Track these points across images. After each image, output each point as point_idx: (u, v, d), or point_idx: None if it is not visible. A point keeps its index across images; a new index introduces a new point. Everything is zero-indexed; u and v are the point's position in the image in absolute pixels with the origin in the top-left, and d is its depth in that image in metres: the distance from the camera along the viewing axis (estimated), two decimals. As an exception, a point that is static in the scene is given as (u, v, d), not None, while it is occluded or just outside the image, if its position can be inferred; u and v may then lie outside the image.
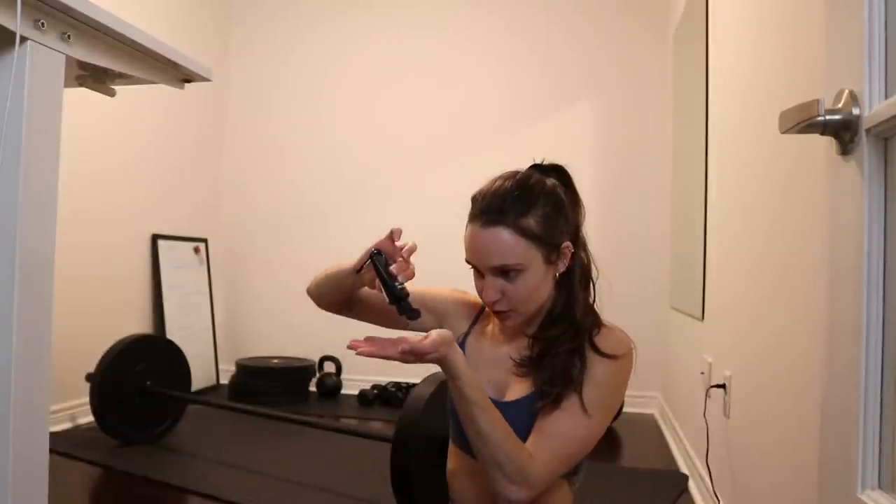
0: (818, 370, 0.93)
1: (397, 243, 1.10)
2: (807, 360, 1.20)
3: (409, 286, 1.08)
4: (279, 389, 3.55)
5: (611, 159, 3.69)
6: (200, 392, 3.53)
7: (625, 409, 2.91)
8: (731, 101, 2.02)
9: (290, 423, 2.58)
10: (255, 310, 4.10)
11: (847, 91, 0.78)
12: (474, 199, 1.08)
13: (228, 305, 4.11)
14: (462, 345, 1.17)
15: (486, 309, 1.19)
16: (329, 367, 3.83)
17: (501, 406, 1.07)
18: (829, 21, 0.88)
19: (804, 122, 0.81)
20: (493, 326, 1.19)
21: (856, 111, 0.77)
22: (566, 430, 1.02)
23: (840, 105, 0.79)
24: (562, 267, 1.08)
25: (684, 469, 2.53)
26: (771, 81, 1.55)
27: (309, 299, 1.25)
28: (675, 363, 3.11)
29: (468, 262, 1.08)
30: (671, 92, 3.47)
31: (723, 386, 1.94)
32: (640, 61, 3.69)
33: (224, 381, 3.85)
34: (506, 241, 1.02)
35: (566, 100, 3.76)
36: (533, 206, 1.04)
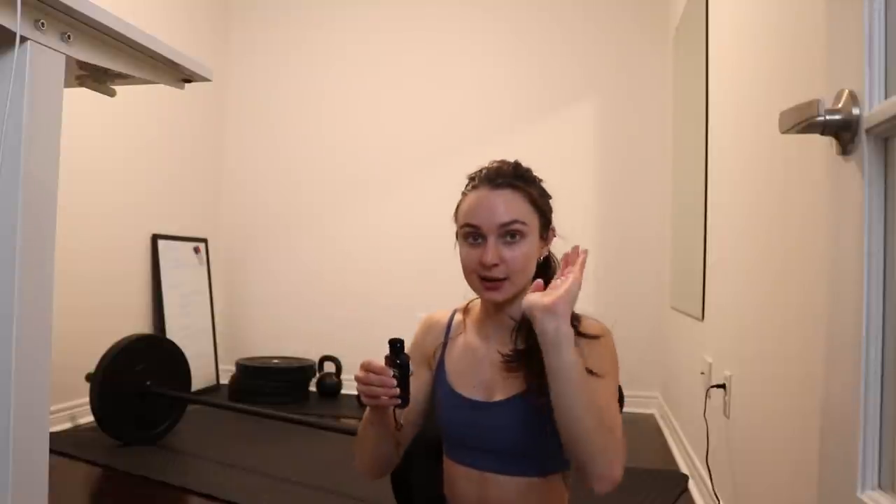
0: (818, 370, 0.93)
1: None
2: (807, 360, 1.20)
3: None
4: (279, 389, 3.55)
5: (611, 159, 3.68)
6: (200, 392, 3.53)
7: (625, 409, 2.90)
8: (731, 101, 2.02)
9: (290, 423, 2.58)
10: (255, 310, 4.10)
11: (847, 91, 0.78)
12: (475, 175, 1.14)
13: (228, 305, 4.11)
14: (442, 357, 1.17)
15: (456, 319, 1.19)
16: (329, 367, 3.83)
17: (491, 407, 1.07)
18: (829, 21, 0.88)
19: (804, 122, 0.81)
20: (467, 333, 1.18)
21: (856, 111, 0.77)
22: (600, 399, 0.98)
23: (840, 105, 0.79)
24: (545, 251, 1.14)
25: (684, 469, 2.53)
26: (771, 81, 1.55)
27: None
28: (675, 363, 3.10)
29: (467, 226, 1.08)
30: (671, 92, 3.47)
31: (723, 386, 1.94)
32: (640, 61, 3.69)
33: (224, 381, 3.85)
34: (516, 201, 1.08)
35: (566, 100, 3.75)
36: (532, 181, 1.13)
